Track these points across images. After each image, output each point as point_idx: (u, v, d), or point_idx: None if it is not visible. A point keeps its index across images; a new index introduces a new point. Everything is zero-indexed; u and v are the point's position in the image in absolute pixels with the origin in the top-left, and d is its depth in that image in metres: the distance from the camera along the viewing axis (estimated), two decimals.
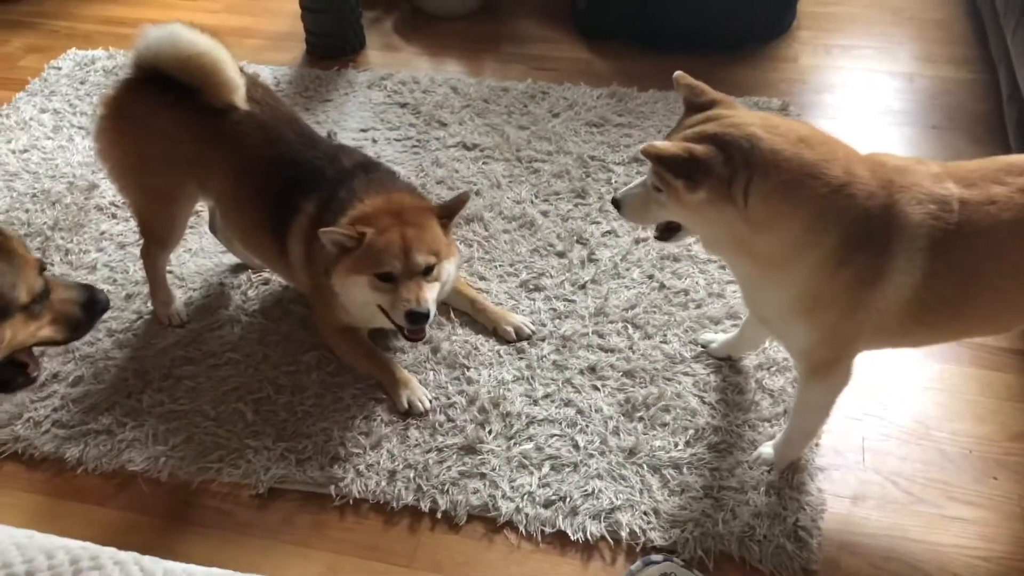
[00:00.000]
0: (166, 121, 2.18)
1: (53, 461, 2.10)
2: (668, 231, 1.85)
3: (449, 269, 2.15)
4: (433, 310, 2.06)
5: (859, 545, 1.88)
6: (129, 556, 1.04)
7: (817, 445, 2.07)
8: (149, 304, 2.45)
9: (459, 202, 2.17)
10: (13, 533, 1.08)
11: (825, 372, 1.82)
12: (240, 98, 2.17)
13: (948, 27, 3.69)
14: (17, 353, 1.47)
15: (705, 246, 1.83)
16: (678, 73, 1.76)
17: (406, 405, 2.15)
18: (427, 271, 2.06)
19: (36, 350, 1.59)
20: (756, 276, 1.76)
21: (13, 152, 3.07)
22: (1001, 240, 1.59)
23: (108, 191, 2.83)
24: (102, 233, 2.72)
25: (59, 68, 3.53)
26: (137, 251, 2.50)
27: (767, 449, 2.03)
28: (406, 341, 2.17)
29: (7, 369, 1.48)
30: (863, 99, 3.29)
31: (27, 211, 2.80)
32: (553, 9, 3.88)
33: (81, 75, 3.47)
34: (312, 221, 2.15)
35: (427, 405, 2.16)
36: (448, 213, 2.16)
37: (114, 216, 2.78)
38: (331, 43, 3.60)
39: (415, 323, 2.03)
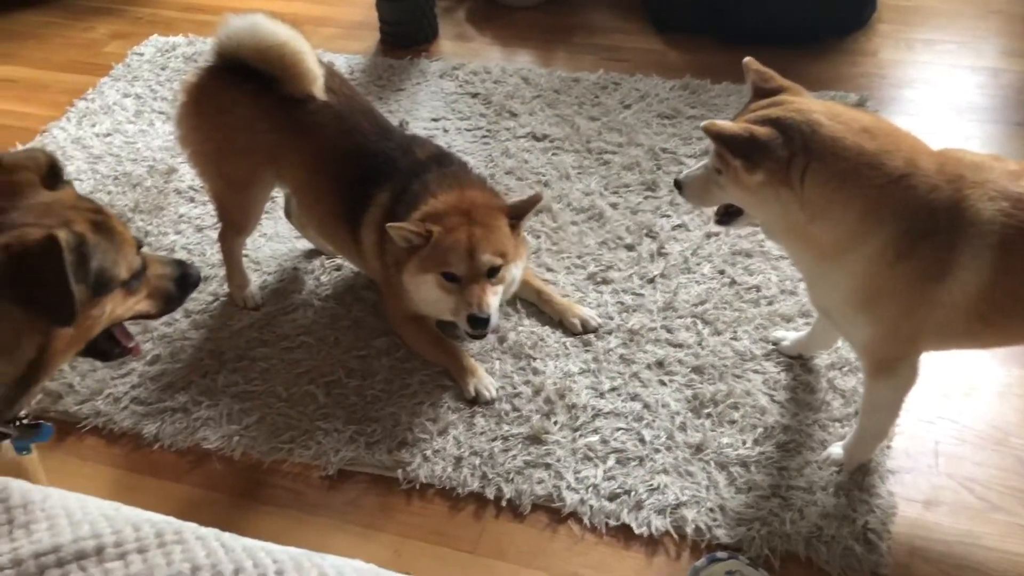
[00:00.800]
0: (245, 109, 2.23)
1: (131, 436, 2.17)
2: (728, 215, 1.85)
3: (515, 272, 2.15)
4: (495, 316, 2.07)
5: (931, 551, 1.85)
6: (210, 532, 1.07)
7: (888, 447, 2.03)
8: (225, 287, 2.51)
9: (530, 203, 2.17)
10: (101, 504, 1.12)
11: (889, 371, 1.79)
12: (319, 88, 2.21)
13: None
14: (113, 326, 1.54)
15: (764, 232, 1.82)
16: (748, 59, 1.76)
17: (473, 393, 2.17)
18: (492, 272, 2.07)
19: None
20: (814, 265, 1.74)
21: (97, 135, 3.17)
22: None
23: (187, 175, 2.90)
24: (180, 216, 2.79)
25: (141, 54, 3.62)
26: (214, 234, 2.56)
27: (837, 449, 2.00)
28: (469, 339, 2.20)
29: (105, 341, 1.54)
30: (945, 95, 3.20)
31: (109, 193, 2.88)
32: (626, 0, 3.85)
33: (162, 61, 3.56)
34: (385, 213, 2.18)
35: (493, 394, 2.18)
36: (518, 214, 2.15)
37: (192, 200, 2.85)
38: (405, 32, 3.63)
39: (475, 328, 2.06)
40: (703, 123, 1.63)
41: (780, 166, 1.59)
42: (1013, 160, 1.64)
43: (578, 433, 2.09)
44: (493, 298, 2.07)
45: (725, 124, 1.62)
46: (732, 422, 2.09)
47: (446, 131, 3.13)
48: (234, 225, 2.42)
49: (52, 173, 1.41)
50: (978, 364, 2.22)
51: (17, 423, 1.41)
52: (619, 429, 2.09)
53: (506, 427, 2.12)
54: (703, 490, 1.96)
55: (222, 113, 2.25)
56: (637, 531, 1.90)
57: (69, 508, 1.09)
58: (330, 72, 2.32)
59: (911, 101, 3.19)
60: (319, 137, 2.24)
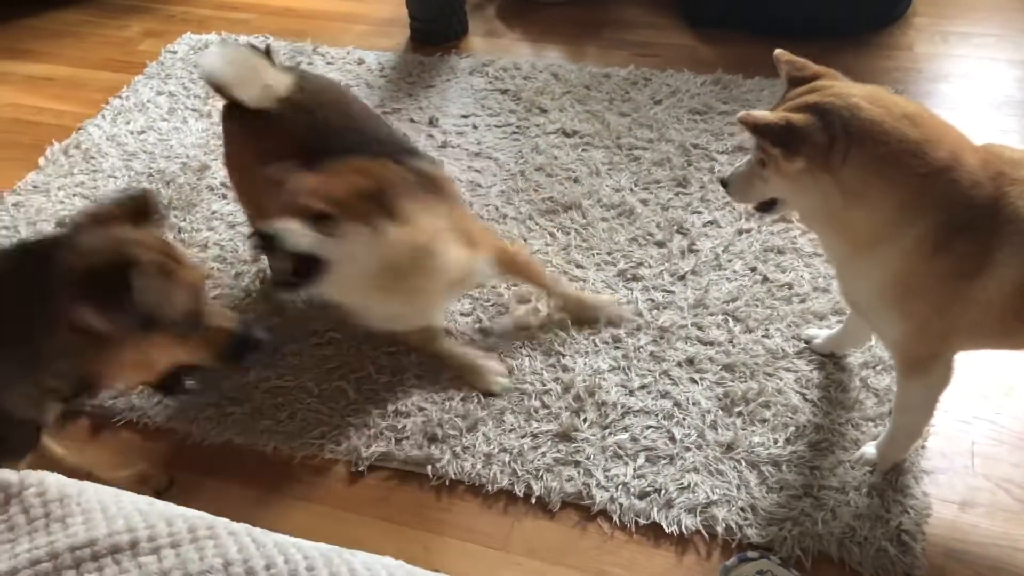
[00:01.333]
0: (240, 126, 2.24)
1: (165, 431, 2.19)
2: (768, 204, 1.83)
3: None
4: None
5: (966, 553, 1.82)
6: (242, 527, 1.08)
7: (923, 448, 2.00)
8: (257, 283, 2.52)
9: None
10: (135, 498, 1.14)
11: (922, 369, 1.76)
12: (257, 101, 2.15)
13: None
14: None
15: (801, 219, 1.81)
16: (778, 51, 1.74)
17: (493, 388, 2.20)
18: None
19: None
20: (849, 255, 1.72)
21: (131, 133, 3.20)
22: None
23: (219, 172, 2.92)
24: (213, 212, 2.82)
25: (175, 52, 3.66)
26: (246, 230, 2.58)
27: (870, 449, 1.98)
28: None
29: (168, 376, 1.62)
30: (982, 89, 3.15)
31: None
32: None
33: (195, 59, 3.59)
34: None
35: (505, 383, 2.19)
36: None
37: (224, 196, 2.87)
38: (435, 29, 3.63)
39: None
40: (739, 115, 1.61)
41: (820, 152, 1.56)
42: None
43: (608, 431, 2.09)
44: None
45: (761, 114, 1.60)
46: (763, 421, 2.08)
47: (476, 127, 3.13)
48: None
49: (143, 212, 1.56)
50: (1016, 364, 2.18)
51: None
52: (649, 427, 2.08)
53: (535, 424, 2.11)
54: (734, 489, 1.94)
55: (230, 130, 2.29)
56: (667, 530, 1.89)
57: (104, 502, 1.11)
58: (302, 78, 2.25)
59: (947, 95, 3.14)
60: (296, 145, 2.11)
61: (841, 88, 1.61)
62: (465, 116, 3.20)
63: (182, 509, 1.11)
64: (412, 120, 3.19)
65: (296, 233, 1.80)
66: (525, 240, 2.62)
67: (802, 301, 2.35)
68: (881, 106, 1.56)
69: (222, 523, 1.08)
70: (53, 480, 1.14)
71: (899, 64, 3.29)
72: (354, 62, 3.53)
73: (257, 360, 1.78)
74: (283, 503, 2.02)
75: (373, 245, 1.89)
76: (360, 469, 2.06)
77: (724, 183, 1.82)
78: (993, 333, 1.67)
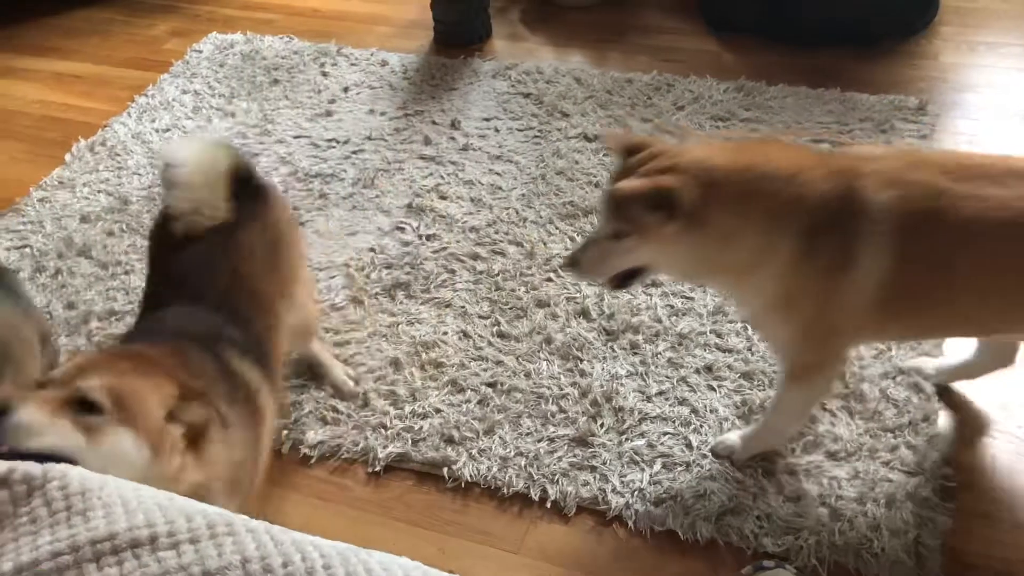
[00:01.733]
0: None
1: None
2: (627, 278, 1.79)
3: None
4: None
5: (987, 568, 1.81)
6: (260, 525, 1.09)
7: (944, 461, 1.98)
8: None
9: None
10: (155, 494, 1.14)
11: (807, 378, 1.82)
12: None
13: None
14: None
15: (680, 278, 1.84)
16: (607, 132, 1.77)
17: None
18: None
19: None
20: (733, 285, 1.78)
21: (156, 131, 3.23)
22: (984, 239, 1.58)
23: None
24: None
25: (200, 51, 3.69)
26: None
27: (733, 436, 2.01)
28: None
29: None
30: (1008, 99, 3.12)
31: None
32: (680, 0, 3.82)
33: (220, 58, 3.62)
34: None
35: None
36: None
37: None
38: (458, 32, 3.64)
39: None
40: (612, 190, 1.64)
41: (693, 209, 1.59)
42: (925, 151, 1.71)
43: (624, 436, 2.08)
44: None
45: (635, 183, 1.61)
46: None
47: (497, 131, 3.13)
48: None
49: None
50: None
51: None
52: (666, 433, 2.08)
53: (552, 428, 2.11)
54: (750, 497, 1.94)
55: None
56: (682, 537, 1.89)
57: (124, 496, 1.11)
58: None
59: (973, 105, 3.11)
60: None
61: (678, 148, 1.68)
62: (487, 119, 3.20)
63: (201, 505, 1.12)
64: (434, 122, 3.20)
65: (37, 427, 1.32)
66: (545, 244, 2.62)
67: None
68: (719, 152, 1.67)
69: (240, 520, 1.09)
70: (75, 473, 1.15)
71: (925, 74, 3.27)
72: (377, 63, 3.55)
73: None
74: (300, 503, 2.03)
75: (138, 469, 1.38)
76: (376, 470, 2.07)
77: (573, 263, 1.78)
78: (872, 329, 1.76)
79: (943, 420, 2.08)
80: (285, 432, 2.15)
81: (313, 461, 2.11)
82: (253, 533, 1.07)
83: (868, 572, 1.80)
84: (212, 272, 1.82)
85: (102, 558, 1.05)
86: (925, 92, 3.15)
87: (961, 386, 2.14)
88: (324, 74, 3.51)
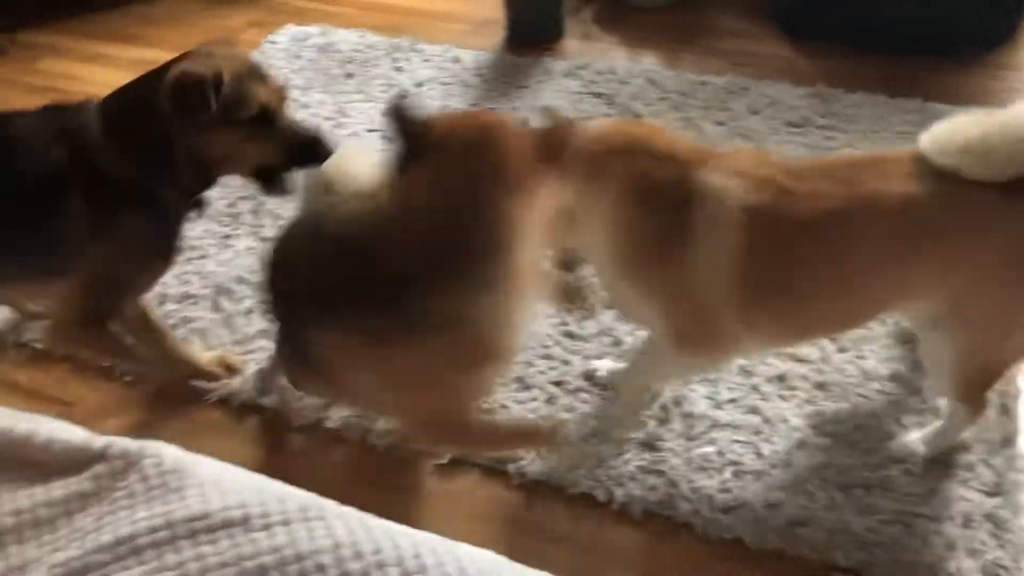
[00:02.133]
0: None
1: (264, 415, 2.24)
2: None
3: None
4: None
5: None
6: (351, 511, 1.10)
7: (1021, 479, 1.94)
8: None
9: None
10: (248, 475, 1.17)
11: (691, 347, 1.83)
12: None
13: None
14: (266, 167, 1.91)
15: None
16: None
17: None
18: None
19: None
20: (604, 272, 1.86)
21: None
22: (814, 228, 1.63)
23: None
24: None
25: (275, 43, 3.73)
26: None
27: (606, 363, 2.16)
28: None
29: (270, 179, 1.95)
30: None
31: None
32: (755, 2, 3.78)
33: (296, 50, 3.66)
34: None
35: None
36: None
37: None
38: (531, 31, 3.64)
39: None
40: None
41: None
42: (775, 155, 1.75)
43: (694, 442, 2.07)
44: None
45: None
46: (855, 443, 2.03)
47: None
48: None
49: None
50: None
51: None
52: (736, 441, 2.06)
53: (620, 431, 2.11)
54: (822, 510, 1.91)
55: None
56: (752, 546, 1.87)
57: (219, 477, 1.14)
58: None
59: None
60: None
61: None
62: None
63: (292, 489, 1.14)
64: None
65: None
66: None
67: (897, 322, 2.29)
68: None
69: (331, 505, 1.10)
70: (170, 452, 1.17)
71: (1008, 85, 3.20)
72: (450, 60, 3.56)
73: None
74: (367, 492, 2.03)
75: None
76: (444, 463, 2.08)
77: None
78: (747, 319, 1.74)
79: (1023, 440, 2.03)
80: (355, 422, 2.17)
81: (382, 452, 2.12)
82: (343, 519, 1.09)
83: None
84: None
85: (196, 535, 1.08)
86: (1007, 104, 3.06)
87: None
88: (397, 69, 3.53)
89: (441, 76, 3.47)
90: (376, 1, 4.04)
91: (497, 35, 3.72)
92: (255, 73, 1.83)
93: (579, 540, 1.92)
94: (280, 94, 1.88)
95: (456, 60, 3.56)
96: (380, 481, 2.07)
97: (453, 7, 3.98)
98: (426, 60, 3.57)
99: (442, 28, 3.80)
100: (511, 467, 2.05)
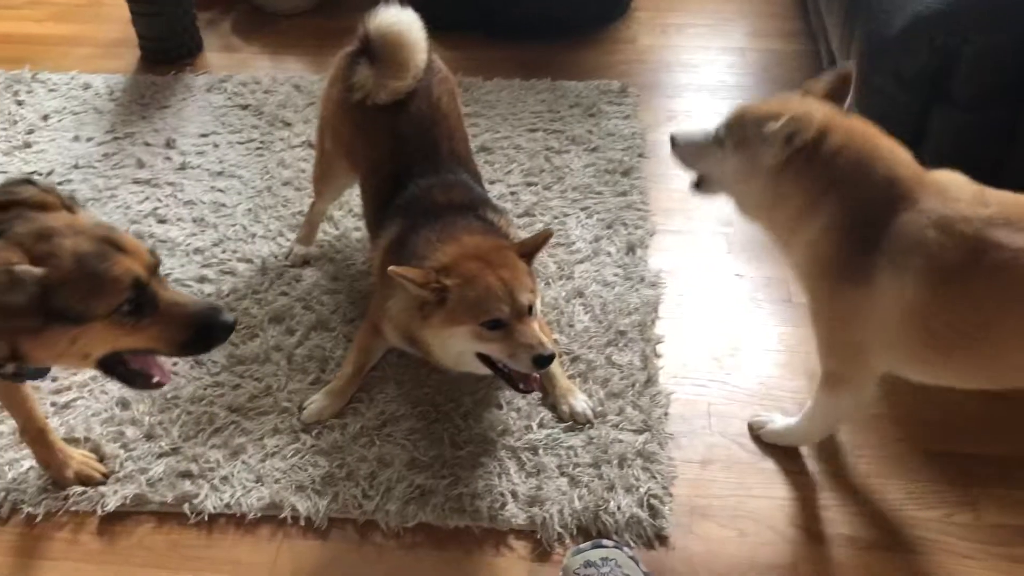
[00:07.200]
0: (342, 97, 2.27)
1: None
2: (705, 184, 1.95)
3: (538, 305, 2.04)
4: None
5: (708, 507, 1.97)
6: None
7: (666, 415, 2.14)
8: None
9: (540, 240, 2.04)
10: None
11: (835, 387, 1.88)
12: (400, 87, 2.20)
13: (775, 2, 3.85)
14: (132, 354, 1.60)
15: (737, 208, 1.89)
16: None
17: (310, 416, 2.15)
18: (529, 310, 1.92)
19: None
20: (778, 245, 1.86)
21: None
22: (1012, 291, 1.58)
23: None
24: None
25: None
26: None
27: (779, 420, 2.09)
28: (518, 392, 2.00)
29: (119, 367, 1.61)
30: (699, 76, 3.41)
31: None
32: (390, 1, 3.84)
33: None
34: (388, 245, 2.14)
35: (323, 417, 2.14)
36: (528, 252, 2.02)
37: None
38: (166, 47, 3.48)
39: (543, 366, 1.89)
40: (745, 108, 1.77)
41: (791, 151, 1.68)
42: (999, 194, 1.66)
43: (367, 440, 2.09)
44: (544, 334, 1.94)
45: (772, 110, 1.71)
46: (519, 408, 2.14)
47: (216, 146, 3.03)
48: (315, 188, 2.57)
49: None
50: (740, 327, 2.38)
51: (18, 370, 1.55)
52: (414, 432, 2.11)
53: (304, 438, 2.08)
54: (495, 478, 1.99)
55: (332, 93, 2.34)
56: (439, 526, 1.92)
57: None
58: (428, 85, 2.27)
59: (669, 84, 3.37)
60: (381, 145, 2.23)
61: (807, 102, 1.75)
62: (204, 135, 3.09)
63: None
64: (147, 143, 3.05)
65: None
66: (276, 257, 2.58)
67: None
68: (828, 118, 1.70)
69: None
70: None
71: (625, 57, 3.50)
72: (79, 87, 3.33)
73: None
74: (28, 567, 1.88)
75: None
76: (106, 515, 1.94)
77: (673, 141, 1.93)
78: (913, 360, 1.75)
79: (664, 377, 2.24)
80: (2, 495, 1.98)
81: (38, 520, 1.95)
82: None
83: (608, 532, 1.90)
84: (432, 134, 2.22)
85: None
86: (626, 75, 3.36)
87: (672, 344, 2.32)
88: (19, 103, 3.25)
89: (71, 105, 3.24)
90: None
91: (130, 56, 3.52)
92: (109, 241, 1.51)
93: (264, 564, 1.87)
94: (138, 267, 1.53)
95: (86, 86, 3.33)
96: (40, 555, 1.90)
97: (76, 31, 3.71)
98: (52, 90, 3.31)
99: (66, 54, 3.54)
100: (185, 506, 1.95)
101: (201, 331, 1.58)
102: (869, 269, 1.64)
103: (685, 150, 1.92)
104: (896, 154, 1.70)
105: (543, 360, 1.87)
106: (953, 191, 1.65)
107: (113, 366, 1.60)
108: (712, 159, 1.86)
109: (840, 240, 1.69)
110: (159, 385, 1.69)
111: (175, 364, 2.24)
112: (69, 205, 1.57)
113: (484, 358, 1.96)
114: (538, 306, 2.02)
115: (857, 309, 1.70)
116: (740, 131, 1.77)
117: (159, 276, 1.59)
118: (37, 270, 1.40)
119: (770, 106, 1.76)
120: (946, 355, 1.69)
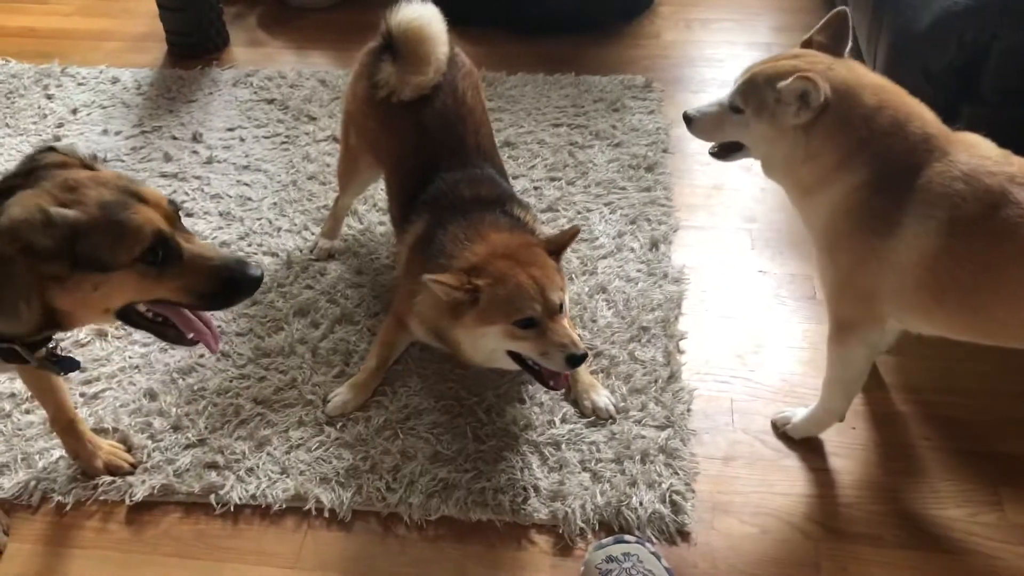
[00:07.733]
0: (366, 93, 2.28)
1: None
2: (728, 150, 1.95)
3: (567, 302, 2.05)
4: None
5: (730, 504, 1.97)
6: None
7: (689, 411, 2.14)
8: None
9: (568, 237, 2.05)
10: None
11: (846, 336, 1.88)
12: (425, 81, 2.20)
13: None
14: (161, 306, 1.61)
15: (763, 168, 1.90)
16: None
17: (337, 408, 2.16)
18: (560, 308, 1.94)
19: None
20: (799, 200, 1.86)
21: None
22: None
23: None
24: None
25: None
26: None
27: (800, 413, 2.09)
28: (547, 389, 2.06)
29: (142, 319, 1.62)
30: (723, 71, 3.39)
31: None
32: None
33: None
34: (415, 241, 2.15)
35: (347, 410, 2.16)
36: (557, 248, 2.04)
37: None
38: (193, 42, 3.51)
39: (576, 365, 1.91)
40: (757, 71, 1.76)
41: (814, 110, 1.69)
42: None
43: (390, 432, 2.10)
44: (575, 332, 1.95)
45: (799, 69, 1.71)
46: (541, 403, 2.15)
47: (243, 140, 3.06)
48: (339, 182, 2.58)
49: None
50: (764, 323, 2.38)
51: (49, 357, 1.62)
52: (437, 426, 2.12)
53: (328, 431, 2.10)
54: (518, 472, 2.01)
55: (357, 89, 2.35)
56: (461, 519, 1.94)
57: None
58: (453, 79, 2.28)
59: (693, 80, 3.36)
60: (406, 140, 2.24)
61: (826, 58, 1.77)
62: (231, 129, 3.12)
63: None
64: (174, 137, 3.08)
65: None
66: (301, 251, 2.60)
67: None
68: (853, 74, 1.74)
69: None
70: None
71: (649, 52, 3.49)
72: (108, 81, 3.37)
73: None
74: (59, 555, 1.91)
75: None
76: (135, 504, 1.97)
77: (688, 119, 1.93)
78: (913, 306, 1.76)
79: (686, 374, 2.24)
80: (33, 483, 2.01)
81: (68, 508, 1.98)
82: None
83: (630, 527, 1.90)
84: (457, 129, 2.22)
85: None
86: (650, 70, 3.36)
87: (695, 341, 2.32)
88: (49, 97, 3.29)
89: (99, 99, 3.27)
90: (14, 26, 3.73)
91: (157, 50, 3.56)
92: (130, 193, 1.53)
93: (290, 555, 1.89)
94: (160, 218, 1.54)
95: (114, 81, 3.37)
96: (66, 543, 1.93)
97: (104, 26, 3.75)
98: (80, 84, 3.35)
99: (95, 48, 3.58)
100: (211, 497, 1.98)
101: (227, 283, 1.58)
102: (897, 219, 1.68)
103: (703, 125, 1.92)
104: (926, 113, 1.73)
105: (576, 359, 1.88)
106: (983, 148, 1.70)
107: (139, 318, 1.61)
108: (733, 127, 1.87)
109: (870, 193, 1.71)
110: (194, 342, 1.68)
111: (202, 356, 2.27)
112: (90, 164, 1.59)
113: (514, 355, 1.97)
114: (567, 303, 2.02)
115: (877, 257, 1.72)
116: (756, 96, 1.78)
117: (183, 229, 1.60)
118: (70, 212, 1.43)
119: (778, 64, 1.78)
120: (940, 302, 1.72)
